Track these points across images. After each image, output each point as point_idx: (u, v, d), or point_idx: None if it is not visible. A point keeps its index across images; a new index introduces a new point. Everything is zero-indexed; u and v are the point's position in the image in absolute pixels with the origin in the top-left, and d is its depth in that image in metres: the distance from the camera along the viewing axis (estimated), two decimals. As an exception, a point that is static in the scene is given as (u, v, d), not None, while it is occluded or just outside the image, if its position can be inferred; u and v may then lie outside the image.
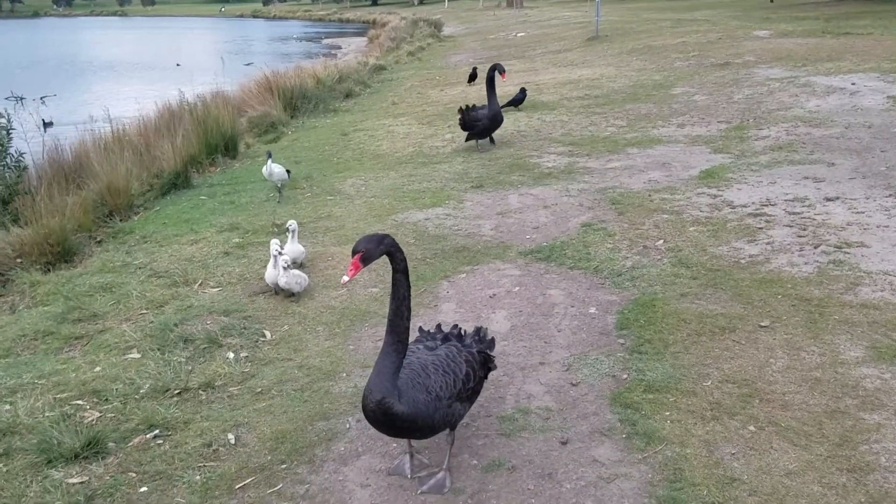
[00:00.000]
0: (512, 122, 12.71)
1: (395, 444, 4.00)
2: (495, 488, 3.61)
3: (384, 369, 3.29)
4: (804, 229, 6.61)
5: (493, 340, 4.14)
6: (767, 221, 6.88)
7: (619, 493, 3.50)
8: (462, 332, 4.01)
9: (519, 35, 32.52)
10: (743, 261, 6.07)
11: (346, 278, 3.21)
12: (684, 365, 4.54)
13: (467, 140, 11.08)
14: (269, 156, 8.93)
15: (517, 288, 5.95)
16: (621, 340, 4.95)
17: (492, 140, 11.07)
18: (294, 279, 5.93)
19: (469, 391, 3.61)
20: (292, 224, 6.50)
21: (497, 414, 4.23)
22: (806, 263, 5.91)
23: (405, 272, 3.38)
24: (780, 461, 3.61)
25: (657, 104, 13.10)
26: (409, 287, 3.40)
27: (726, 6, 35.31)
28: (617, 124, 11.87)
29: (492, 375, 4.59)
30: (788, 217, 6.94)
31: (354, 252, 3.21)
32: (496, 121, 10.65)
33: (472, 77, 17.88)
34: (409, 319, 3.40)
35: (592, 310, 5.45)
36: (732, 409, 4.06)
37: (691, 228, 6.90)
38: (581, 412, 4.19)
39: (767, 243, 6.38)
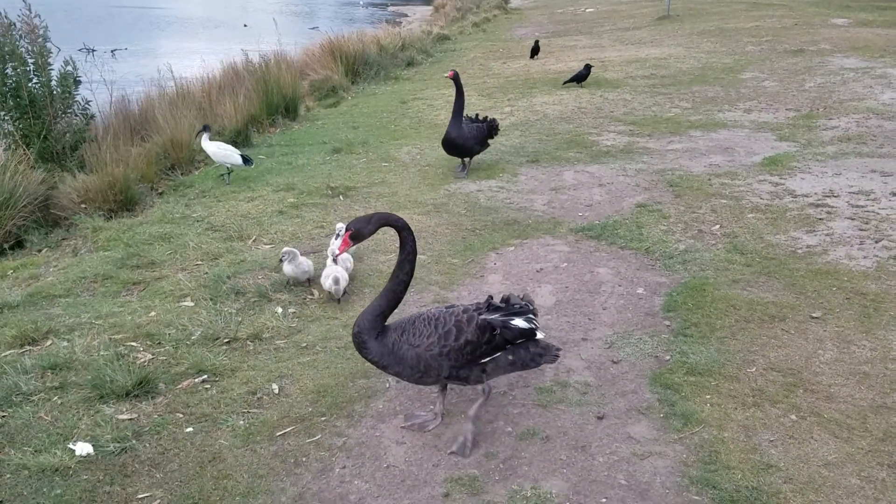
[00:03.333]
0: (574, 98, 12.56)
1: (431, 407, 4.06)
2: (528, 456, 3.64)
3: (370, 309, 3.64)
4: (866, 223, 6.40)
5: (522, 309, 3.75)
6: (829, 213, 6.69)
7: (652, 469, 3.50)
8: (508, 300, 3.84)
9: (588, 10, 31.96)
10: (800, 251, 5.93)
11: (336, 252, 3.79)
12: (729, 350, 4.48)
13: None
14: (206, 129, 8.16)
15: (565, 264, 5.93)
16: (667, 322, 4.90)
17: (463, 165, 8.57)
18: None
19: (448, 349, 3.52)
20: (340, 227, 5.67)
21: (535, 385, 4.25)
22: (865, 257, 5.74)
23: (412, 240, 3.67)
24: (819, 451, 3.56)
25: (725, 88, 12.78)
26: (414, 249, 3.68)
27: (806, -9, 34.03)
28: (681, 106, 11.63)
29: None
30: (851, 209, 6.73)
31: (347, 229, 3.60)
32: (447, 144, 8.21)
33: (535, 51, 17.63)
34: (409, 274, 3.67)
35: (640, 290, 5.40)
36: (775, 396, 4.00)
37: (749, 215, 6.75)
38: (620, 389, 4.18)
39: (827, 234, 6.21)
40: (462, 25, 27.90)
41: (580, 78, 13.48)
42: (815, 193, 7.22)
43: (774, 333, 4.66)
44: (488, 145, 8.57)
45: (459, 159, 8.59)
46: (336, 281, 5.25)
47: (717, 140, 9.51)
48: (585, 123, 10.75)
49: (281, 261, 5.53)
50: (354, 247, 5.74)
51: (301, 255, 5.60)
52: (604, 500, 3.33)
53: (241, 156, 8.07)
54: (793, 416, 3.83)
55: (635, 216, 6.85)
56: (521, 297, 3.89)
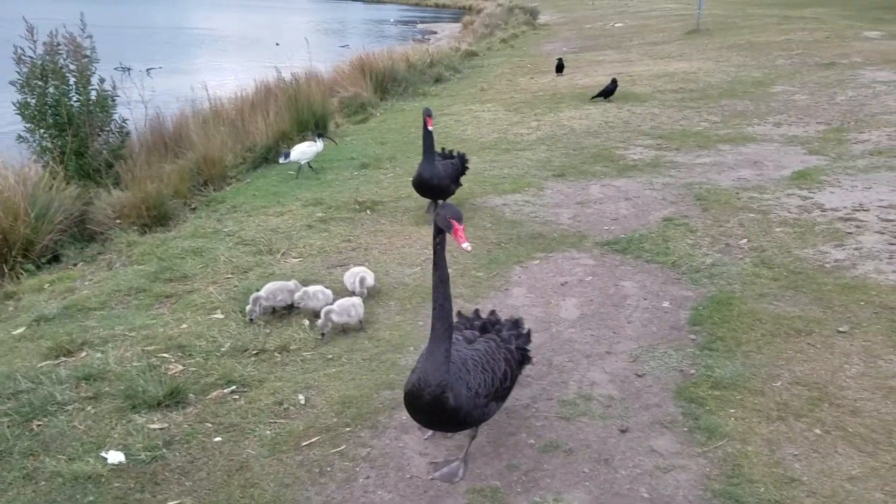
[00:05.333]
0: (601, 112, 12.58)
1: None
2: (550, 468, 3.66)
3: (440, 359, 3.24)
4: (897, 237, 6.34)
5: (529, 333, 3.98)
6: (858, 227, 6.62)
7: (675, 483, 3.50)
8: (499, 320, 3.95)
9: (616, 25, 31.96)
10: (828, 265, 5.88)
11: (468, 246, 3.22)
12: (755, 364, 4.46)
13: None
14: (320, 136, 9.72)
15: (590, 277, 5.94)
16: (693, 336, 4.89)
17: (434, 206, 7.63)
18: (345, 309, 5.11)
19: (506, 390, 3.62)
20: (256, 296, 5.35)
21: (558, 398, 4.27)
22: (894, 272, 5.67)
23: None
24: (843, 466, 3.53)
25: (754, 101, 12.71)
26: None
27: (837, 4, 33.65)
28: (710, 119, 11.58)
29: (556, 360, 4.68)
30: (881, 223, 6.66)
31: (460, 220, 3.25)
32: (422, 186, 7.24)
33: (559, 68, 17.59)
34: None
35: (666, 304, 5.40)
36: (800, 411, 3.98)
37: (777, 229, 6.71)
38: (644, 403, 4.18)
39: (856, 249, 6.15)
40: (490, 42, 28.07)
41: (607, 93, 13.50)
42: (845, 207, 7.15)
43: (800, 348, 4.63)
44: (461, 184, 7.69)
45: (430, 201, 7.65)
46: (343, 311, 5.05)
47: (745, 154, 9.46)
48: (612, 138, 10.76)
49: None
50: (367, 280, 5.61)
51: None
52: (625, 512, 3.34)
53: (285, 152, 9.48)
54: (817, 431, 3.81)
55: (662, 230, 6.84)
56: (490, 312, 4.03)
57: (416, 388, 3.25)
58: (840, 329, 4.82)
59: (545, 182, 8.66)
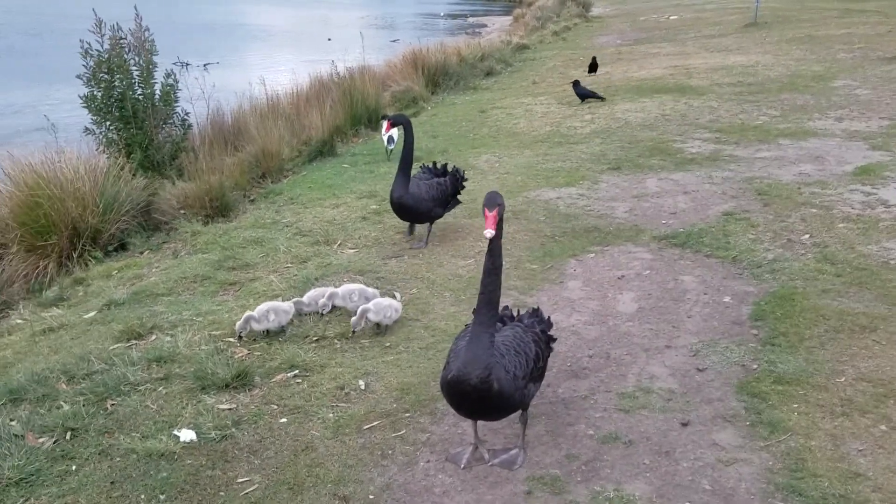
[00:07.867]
0: (657, 105, 12.43)
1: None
2: (610, 459, 3.68)
3: (485, 344, 3.29)
4: (967, 233, 6.16)
5: (549, 319, 4.03)
6: (926, 223, 6.46)
7: (737, 476, 3.48)
8: (516, 313, 4.03)
9: (671, 18, 31.49)
10: (893, 261, 5.75)
11: (490, 232, 3.35)
12: (818, 360, 4.40)
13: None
14: (385, 118, 9.83)
15: (648, 271, 5.91)
16: (755, 331, 4.84)
17: (412, 228, 6.93)
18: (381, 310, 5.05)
19: (539, 370, 3.68)
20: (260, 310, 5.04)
21: (617, 391, 4.27)
22: (965, 269, 5.53)
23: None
24: (911, 462, 3.48)
25: (815, 96, 12.42)
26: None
27: (903, -6, 32.57)
28: (770, 114, 11.36)
29: (613, 353, 4.69)
30: (950, 219, 6.49)
31: (493, 206, 3.33)
32: (393, 207, 6.44)
33: (592, 67, 16.38)
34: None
35: (727, 299, 5.34)
36: (864, 406, 3.92)
37: (840, 225, 6.58)
38: (705, 397, 4.16)
39: (923, 245, 6.00)
40: (542, 34, 27.90)
41: (593, 94, 13.18)
42: (911, 203, 6.97)
43: (865, 344, 4.55)
44: (458, 202, 6.89)
45: (412, 223, 6.87)
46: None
47: (806, 148, 9.27)
48: (669, 131, 10.64)
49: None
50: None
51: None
52: (687, 503, 3.34)
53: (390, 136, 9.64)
54: (883, 427, 3.75)
55: (722, 224, 6.76)
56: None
57: (462, 373, 3.26)
58: (907, 326, 4.72)
59: (600, 175, 8.63)
